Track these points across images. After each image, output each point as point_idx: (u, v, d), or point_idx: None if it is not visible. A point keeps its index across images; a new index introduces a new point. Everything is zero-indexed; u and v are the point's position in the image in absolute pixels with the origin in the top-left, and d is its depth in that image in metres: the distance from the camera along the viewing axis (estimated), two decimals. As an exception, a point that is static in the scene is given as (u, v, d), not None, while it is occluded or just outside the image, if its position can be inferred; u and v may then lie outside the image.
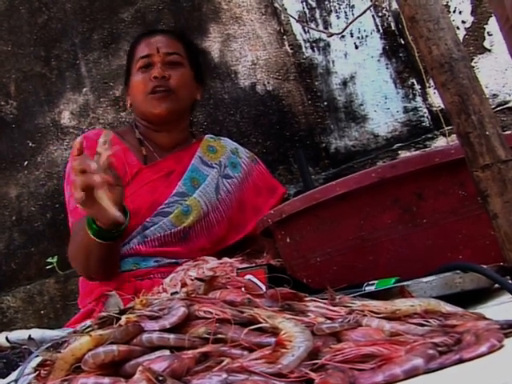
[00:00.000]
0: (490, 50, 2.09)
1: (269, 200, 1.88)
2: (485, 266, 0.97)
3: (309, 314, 0.77)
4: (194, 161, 1.86)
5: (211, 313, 0.73)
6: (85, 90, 2.54)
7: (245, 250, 1.62)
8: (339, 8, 2.25)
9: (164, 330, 0.72)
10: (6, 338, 1.23)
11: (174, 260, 1.72)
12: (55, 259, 2.44)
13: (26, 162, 2.59)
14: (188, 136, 1.95)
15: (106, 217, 1.39)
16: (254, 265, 1.23)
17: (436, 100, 2.10)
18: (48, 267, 2.46)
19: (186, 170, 1.83)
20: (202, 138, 1.95)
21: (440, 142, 2.09)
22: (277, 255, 1.45)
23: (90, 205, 1.37)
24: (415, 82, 2.16)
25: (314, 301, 0.81)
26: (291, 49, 2.31)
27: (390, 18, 2.20)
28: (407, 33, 2.12)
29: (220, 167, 1.88)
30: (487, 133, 0.98)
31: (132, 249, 1.73)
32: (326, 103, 2.26)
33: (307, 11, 2.28)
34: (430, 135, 2.13)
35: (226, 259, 1.43)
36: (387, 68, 2.19)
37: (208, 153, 1.90)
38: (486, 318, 0.74)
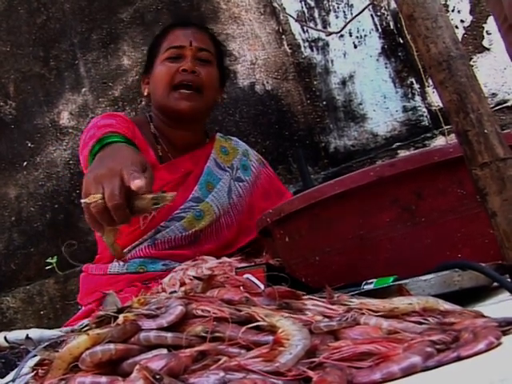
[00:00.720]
0: (488, 49, 2.09)
1: (277, 203, 1.85)
2: (483, 265, 0.97)
3: (307, 312, 0.77)
4: (209, 163, 1.83)
5: (209, 311, 0.73)
6: (84, 90, 2.54)
7: (244, 249, 1.62)
8: (338, 7, 2.25)
9: (161, 328, 0.72)
10: (5, 338, 1.23)
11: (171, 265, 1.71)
12: (55, 259, 2.44)
13: (25, 163, 2.59)
14: (203, 136, 1.92)
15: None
16: (252, 264, 1.23)
17: (435, 99, 2.10)
18: (47, 267, 2.46)
19: (202, 173, 1.80)
20: (215, 138, 1.92)
21: (439, 141, 2.09)
22: (276, 254, 1.45)
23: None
24: (414, 81, 2.16)
25: (312, 299, 0.81)
26: (290, 48, 2.31)
27: (388, 17, 2.20)
28: (406, 32, 2.12)
29: (232, 170, 1.86)
30: (486, 131, 0.98)
31: (141, 250, 1.71)
32: (325, 103, 2.26)
33: (306, 11, 2.28)
34: (429, 134, 2.13)
35: (224, 258, 1.43)
36: (386, 67, 2.19)
37: (221, 154, 1.87)
38: (484, 316, 0.74)
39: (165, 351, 0.69)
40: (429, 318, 0.75)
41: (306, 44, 2.28)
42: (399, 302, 0.78)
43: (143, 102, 1.97)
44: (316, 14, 2.27)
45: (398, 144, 2.16)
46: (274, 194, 1.91)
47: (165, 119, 1.82)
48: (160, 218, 1.70)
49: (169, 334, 0.71)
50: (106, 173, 1.14)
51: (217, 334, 0.71)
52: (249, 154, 1.94)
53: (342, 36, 2.22)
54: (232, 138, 1.98)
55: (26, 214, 2.57)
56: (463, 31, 2.11)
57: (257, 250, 1.62)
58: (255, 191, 1.88)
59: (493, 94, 2.07)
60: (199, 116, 1.82)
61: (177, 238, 1.72)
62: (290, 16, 2.26)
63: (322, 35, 2.24)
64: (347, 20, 2.12)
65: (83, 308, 1.76)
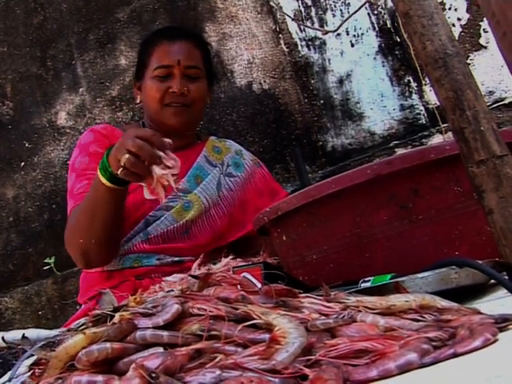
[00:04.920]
0: (485, 47, 2.09)
1: (270, 203, 1.86)
2: (481, 262, 0.97)
3: (303, 310, 0.77)
4: (200, 159, 1.87)
5: (205, 310, 0.73)
6: (81, 90, 2.54)
7: (245, 250, 1.64)
8: (335, 6, 2.25)
9: (157, 327, 0.72)
10: (2, 338, 1.23)
11: (176, 258, 1.72)
12: (53, 260, 2.44)
13: (22, 163, 2.59)
14: (194, 137, 1.96)
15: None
16: (250, 263, 1.23)
17: (432, 97, 2.10)
18: (45, 268, 2.46)
19: (191, 168, 1.85)
20: (207, 139, 1.97)
21: (436, 140, 2.09)
22: (273, 253, 1.45)
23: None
24: (411, 80, 2.16)
25: (309, 297, 0.81)
26: (287, 47, 2.30)
27: (385, 16, 2.20)
28: (403, 30, 2.12)
29: (222, 166, 1.89)
30: (482, 128, 0.98)
31: (135, 246, 1.73)
32: (322, 101, 2.26)
33: (303, 9, 2.28)
34: (426, 133, 2.13)
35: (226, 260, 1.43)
36: (383, 66, 2.19)
37: (213, 153, 1.92)
38: (480, 313, 0.74)
39: (161, 350, 0.69)
40: (425, 316, 0.75)
41: (303, 43, 2.28)
42: (396, 300, 0.78)
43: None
44: (313, 13, 2.27)
45: (395, 142, 2.16)
46: (267, 193, 1.94)
47: (157, 128, 1.86)
48: (148, 208, 1.72)
49: (165, 333, 0.71)
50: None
51: (213, 333, 0.71)
52: (242, 154, 1.98)
53: (338, 35, 2.22)
54: (227, 140, 2.02)
55: (23, 214, 2.57)
56: (460, 29, 2.11)
57: (255, 249, 1.63)
58: (248, 188, 1.91)
59: (490, 91, 2.07)
60: (190, 127, 1.88)
61: (169, 230, 1.74)
62: (287, 15, 2.25)
63: (319, 34, 2.24)
64: (344, 19, 2.12)
65: (82, 307, 1.77)
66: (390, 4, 2.18)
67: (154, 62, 1.84)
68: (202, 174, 1.85)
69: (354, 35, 2.22)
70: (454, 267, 0.96)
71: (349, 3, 2.23)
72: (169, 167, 1.34)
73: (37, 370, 0.78)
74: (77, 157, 1.80)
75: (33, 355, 0.82)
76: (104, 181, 1.47)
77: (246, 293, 0.81)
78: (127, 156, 1.34)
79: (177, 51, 1.84)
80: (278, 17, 2.31)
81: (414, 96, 2.16)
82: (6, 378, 0.83)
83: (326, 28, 2.22)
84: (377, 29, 2.20)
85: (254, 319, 0.72)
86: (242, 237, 1.85)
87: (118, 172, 1.37)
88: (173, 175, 1.34)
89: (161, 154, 1.34)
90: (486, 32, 2.07)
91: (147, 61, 1.87)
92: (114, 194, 1.51)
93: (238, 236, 1.85)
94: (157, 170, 1.33)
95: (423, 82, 2.14)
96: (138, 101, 1.92)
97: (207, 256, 1.53)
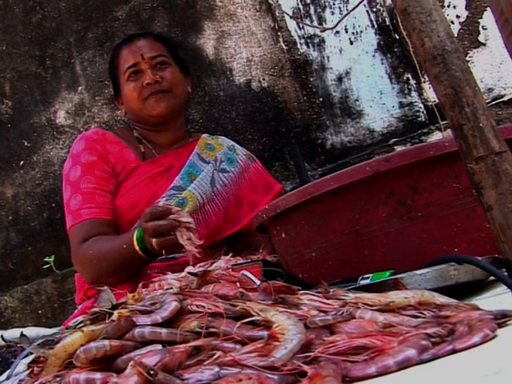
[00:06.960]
0: (484, 44, 2.09)
1: (265, 197, 1.90)
2: (480, 258, 0.97)
3: (302, 307, 0.77)
4: (192, 157, 1.89)
5: (203, 307, 0.73)
6: (80, 88, 2.54)
7: (241, 244, 1.64)
8: (333, 4, 2.24)
9: (156, 324, 0.71)
10: (2, 337, 1.23)
11: (171, 255, 1.72)
12: (52, 258, 2.44)
13: (21, 162, 2.59)
14: (185, 133, 1.98)
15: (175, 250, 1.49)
16: (249, 260, 1.22)
17: (431, 95, 2.10)
18: (45, 267, 2.46)
19: (185, 165, 1.86)
20: (200, 137, 1.98)
21: (436, 137, 2.09)
22: (273, 251, 1.45)
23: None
24: (410, 77, 2.16)
25: (308, 294, 0.80)
26: (286, 45, 2.30)
27: (384, 13, 2.20)
28: (402, 28, 2.12)
29: (216, 162, 1.90)
30: (481, 125, 0.97)
31: None
32: (321, 99, 2.26)
33: (301, 7, 2.28)
34: (425, 130, 2.13)
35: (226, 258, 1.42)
36: (382, 63, 2.19)
37: (206, 150, 1.93)
38: (479, 309, 0.74)
39: (159, 347, 0.68)
40: (424, 312, 0.74)
41: (302, 41, 2.28)
42: (395, 296, 0.78)
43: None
44: (312, 11, 2.27)
45: (394, 140, 2.16)
46: (261, 187, 1.96)
47: (145, 126, 1.93)
48: (143, 209, 1.73)
49: (163, 330, 0.71)
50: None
51: (212, 330, 0.70)
52: (235, 149, 1.99)
53: (337, 32, 2.22)
54: (220, 136, 2.05)
55: (23, 213, 2.56)
56: (459, 26, 2.10)
57: (254, 246, 1.63)
58: (242, 183, 1.93)
59: (489, 89, 2.07)
60: (176, 113, 1.91)
61: None
62: (286, 13, 2.25)
63: (318, 32, 2.24)
64: (342, 16, 2.12)
65: (81, 306, 1.76)
66: (388, 1, 2.18)
67: (122, 67, 1.91)
68: (195, 171, 1.86)
69: (353, 33, 2.22)
70: (453, 264, 0.96)
71: (347, 0, 2.23)
72: (186, 222, 1.44)
73: (35, 368, 0.78)
74: (70, 168, 1.84)
75: (31, 353, 0.82)
76: (139, 251, 1.55)
77: (245, 290, 0.80)
78: (154, 240, 1.46)
79: (138, 48, 1.91)
80: (277, 14, 2.31)
81: (413, 93, 2.16)
82: (4, 376, 0.83)
83: (324, 26, 2.22)
84: (375, 26, 2.20)
85: (253, 316, 0.72)
86: (238, 231, 1.86)
87: (163, 253, 1.49)
88: (191, 229, 1.45)
89: (174, 218, 1.44)
90: (485, 29, 2.07)
91: (117, 71, 1.94)
92: (146, 258, 1.58)
93: (234, 231, 1.86)
94: (180, 239, 1.43)
95: (422, 80, 2.14)
96: (123, 114, 1.98)
97: (205, 252, 1.53)
